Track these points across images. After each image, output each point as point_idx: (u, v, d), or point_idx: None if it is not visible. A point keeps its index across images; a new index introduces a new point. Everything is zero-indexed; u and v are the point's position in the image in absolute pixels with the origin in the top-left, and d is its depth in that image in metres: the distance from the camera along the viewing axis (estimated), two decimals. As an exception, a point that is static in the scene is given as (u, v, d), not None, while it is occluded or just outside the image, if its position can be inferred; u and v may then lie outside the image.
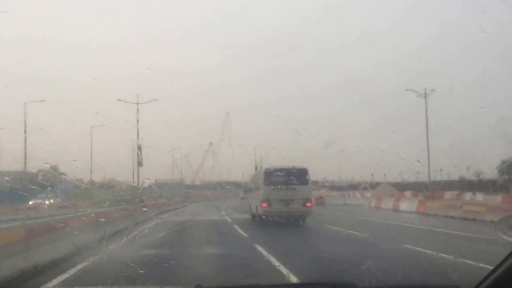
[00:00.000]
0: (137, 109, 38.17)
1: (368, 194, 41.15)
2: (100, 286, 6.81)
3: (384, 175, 48.78)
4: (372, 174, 47.08)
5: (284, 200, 18.37)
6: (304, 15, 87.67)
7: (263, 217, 18.69)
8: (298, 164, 19.55)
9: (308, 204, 18.75)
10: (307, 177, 18.94)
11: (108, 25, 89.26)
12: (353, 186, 53.22)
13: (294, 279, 7.31)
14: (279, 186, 18.55)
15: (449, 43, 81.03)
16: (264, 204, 18.53)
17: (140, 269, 7.81)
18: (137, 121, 36.57)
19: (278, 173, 18.91)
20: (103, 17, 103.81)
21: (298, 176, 18.64)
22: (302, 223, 18.34)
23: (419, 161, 43.89)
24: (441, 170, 49.10)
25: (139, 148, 34.03)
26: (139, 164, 33.96)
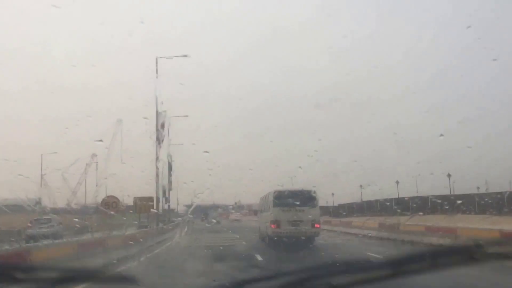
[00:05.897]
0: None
1: None
2: None
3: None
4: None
5: (293, 221, 19.01)
6: (344, 69, 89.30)
7: (274, 238, 19.31)
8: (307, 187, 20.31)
9: (317, 225, 19.29)
10: (315, 200, 19.65)
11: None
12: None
13: None
14: (288, 207, 19.28)
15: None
16: (273, 225, 19.20)
17: None
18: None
19: (287, 195, 19.66)
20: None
21: (306, 198, 19.36)
22: (310, 245, 18.85)
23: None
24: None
25: None
26: None
